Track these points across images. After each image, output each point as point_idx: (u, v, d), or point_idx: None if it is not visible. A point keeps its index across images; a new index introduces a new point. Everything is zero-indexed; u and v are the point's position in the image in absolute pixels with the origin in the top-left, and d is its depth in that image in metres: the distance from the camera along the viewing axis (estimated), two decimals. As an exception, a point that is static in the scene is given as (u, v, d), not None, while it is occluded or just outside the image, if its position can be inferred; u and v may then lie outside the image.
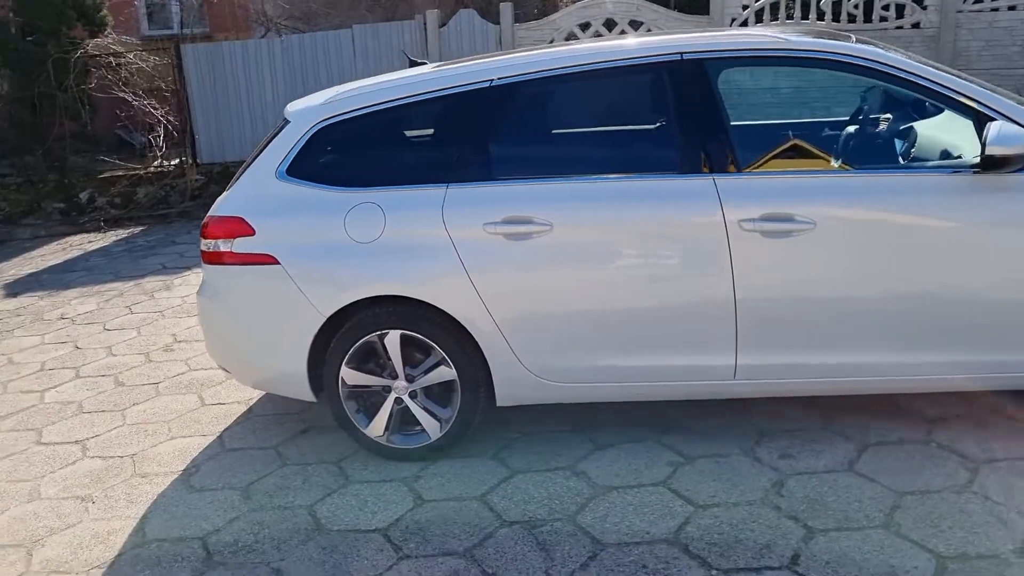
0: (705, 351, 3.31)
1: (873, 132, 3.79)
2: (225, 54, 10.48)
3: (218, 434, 4.11)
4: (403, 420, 3.61)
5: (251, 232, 3.59)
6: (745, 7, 9.14)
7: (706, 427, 3.63)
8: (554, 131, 3.60)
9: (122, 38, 10.99)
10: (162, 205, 10.25)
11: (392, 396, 3.58)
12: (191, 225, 9.35)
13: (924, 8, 8.91)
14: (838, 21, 8.89)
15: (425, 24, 9.86)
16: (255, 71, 10.43)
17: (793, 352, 3.27)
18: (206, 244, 3.70)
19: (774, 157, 3.65)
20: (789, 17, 9.11)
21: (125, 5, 13.66)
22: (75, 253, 8.74)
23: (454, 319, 3.40)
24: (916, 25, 8.96)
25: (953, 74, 3.26)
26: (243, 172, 3.76)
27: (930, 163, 3.22)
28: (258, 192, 3.65)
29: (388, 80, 3.76)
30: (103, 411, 4.52)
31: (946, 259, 3.10)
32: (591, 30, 9.56)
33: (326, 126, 3.64)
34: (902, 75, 3.18)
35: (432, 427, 3.58)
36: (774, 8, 9.10)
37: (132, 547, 3.20)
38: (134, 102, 10.35)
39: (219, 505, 3.43)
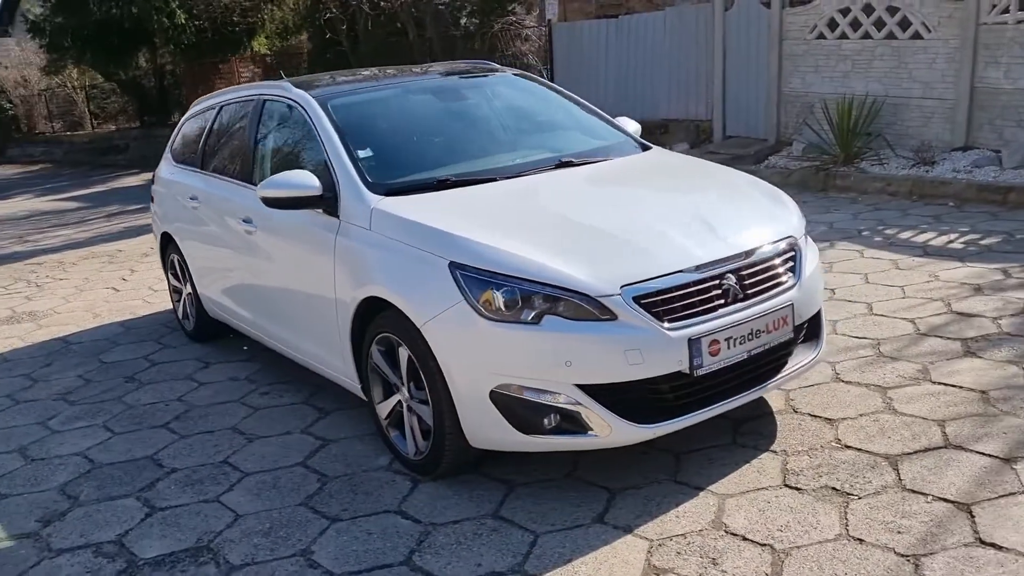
0: (251, 308, 4.74)
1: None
2: (576, 31, 12.33)
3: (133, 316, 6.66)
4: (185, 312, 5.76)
5: (154, 183, 6.07)
6: (1009, -9, 7.53)
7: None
8: (222, 142, 5.17)
9: (529, 16, 13.55)
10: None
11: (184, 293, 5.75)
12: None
13: None
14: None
15: (713, 8, 10.26)
16: (595, 47, 12.07)
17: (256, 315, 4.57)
18: (154, 186, 6.26)
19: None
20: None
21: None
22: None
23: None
24: None
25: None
26: (173, 145, 6.20)
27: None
28: (164, 160, 6.06)
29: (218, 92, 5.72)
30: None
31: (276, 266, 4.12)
32: (850, 16, 8.88)
33: (186, 120, 5.85)
34: (310, 123, 4.07)
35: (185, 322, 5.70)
36: (1043, -8, 7.29)
37: None
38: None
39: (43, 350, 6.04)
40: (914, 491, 3.00)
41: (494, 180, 3.78)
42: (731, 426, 3.63)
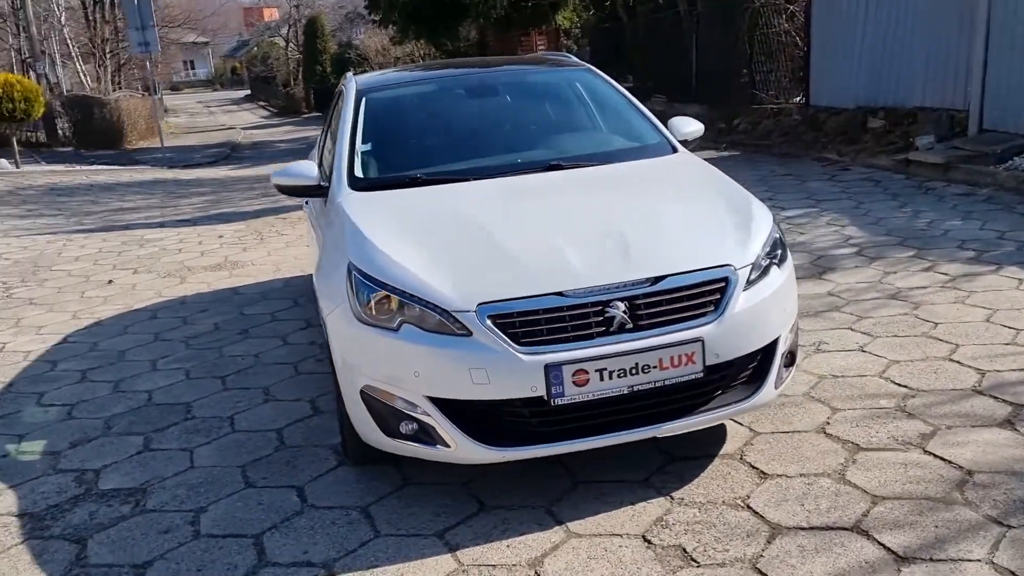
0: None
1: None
2: (835, 7, 11.21)
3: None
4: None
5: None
6: None
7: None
8: (328, 122, 5.57)
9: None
10: (765, 138, 12.04)
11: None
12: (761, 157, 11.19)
13: None
14: None
15: (978, -21, 8.85)
16: (851, 25, 10.92)
17: None
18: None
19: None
20: None
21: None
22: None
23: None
24: None
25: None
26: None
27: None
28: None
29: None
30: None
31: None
32: None
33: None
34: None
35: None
36: None
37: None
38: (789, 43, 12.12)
39: (214, 297, 6.95)
40: (760, 572, 2.63)
41: (466, 180, 3.81)
42: (659, 463, 3.37)
